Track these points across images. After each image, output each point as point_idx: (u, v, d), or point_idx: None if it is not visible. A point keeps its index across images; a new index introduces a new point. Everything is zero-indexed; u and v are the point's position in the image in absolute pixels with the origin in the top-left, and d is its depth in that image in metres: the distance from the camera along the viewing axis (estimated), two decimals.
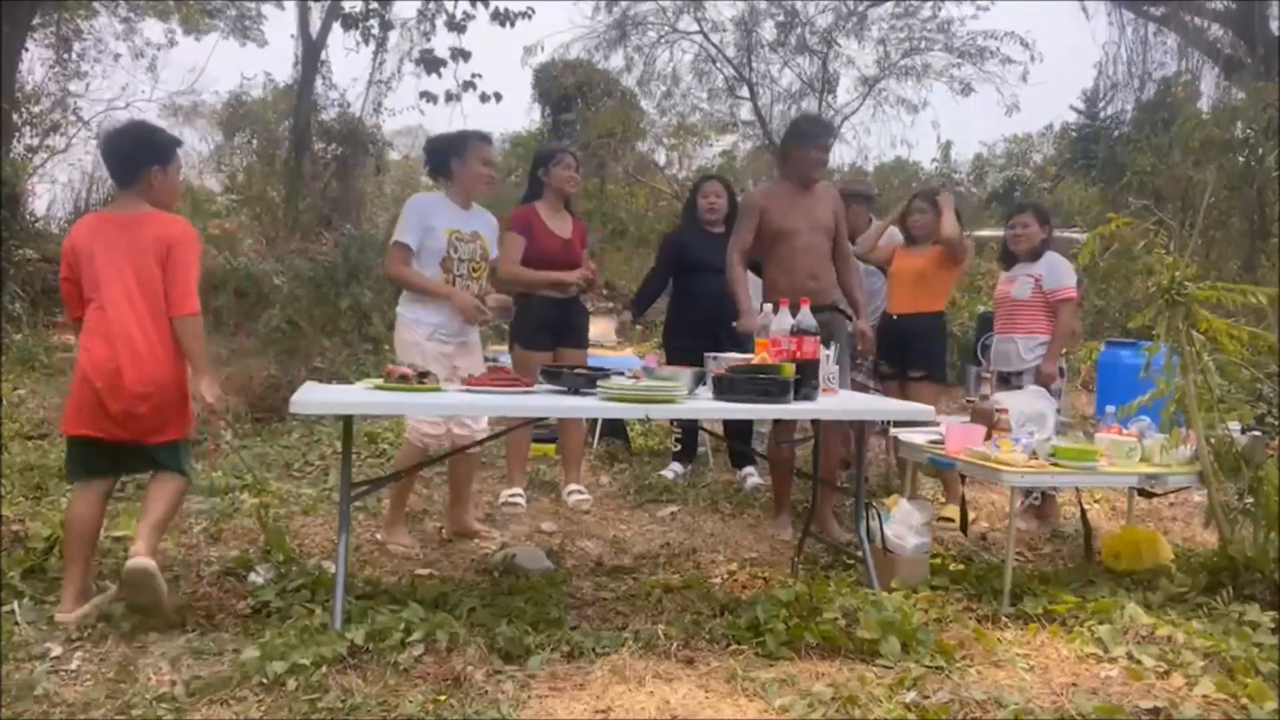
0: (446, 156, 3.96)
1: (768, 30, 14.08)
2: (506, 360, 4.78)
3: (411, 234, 3.82)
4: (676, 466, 5.33)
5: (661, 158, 15.94)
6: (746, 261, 4.27)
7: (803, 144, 4.19)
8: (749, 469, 5.35)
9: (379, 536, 3.91)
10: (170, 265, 2.95)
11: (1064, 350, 4.70)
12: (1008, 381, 4.47)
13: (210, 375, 3.05)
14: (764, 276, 4.25)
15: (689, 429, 5.41)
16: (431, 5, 10.78)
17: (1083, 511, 4.09)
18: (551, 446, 5.59)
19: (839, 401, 3.44)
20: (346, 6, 11.19)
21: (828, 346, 3.86)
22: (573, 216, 4.72)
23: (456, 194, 3.96)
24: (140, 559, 2.76)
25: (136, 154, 3.06)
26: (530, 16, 9.91)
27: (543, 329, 4.59)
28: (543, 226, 4.55)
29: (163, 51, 15.70)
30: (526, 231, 4.53)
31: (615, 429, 6.13)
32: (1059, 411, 4.12)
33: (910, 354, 4.74)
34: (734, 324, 4.16)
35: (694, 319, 5.04)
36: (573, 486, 4.71)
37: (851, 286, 4.35)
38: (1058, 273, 4.50)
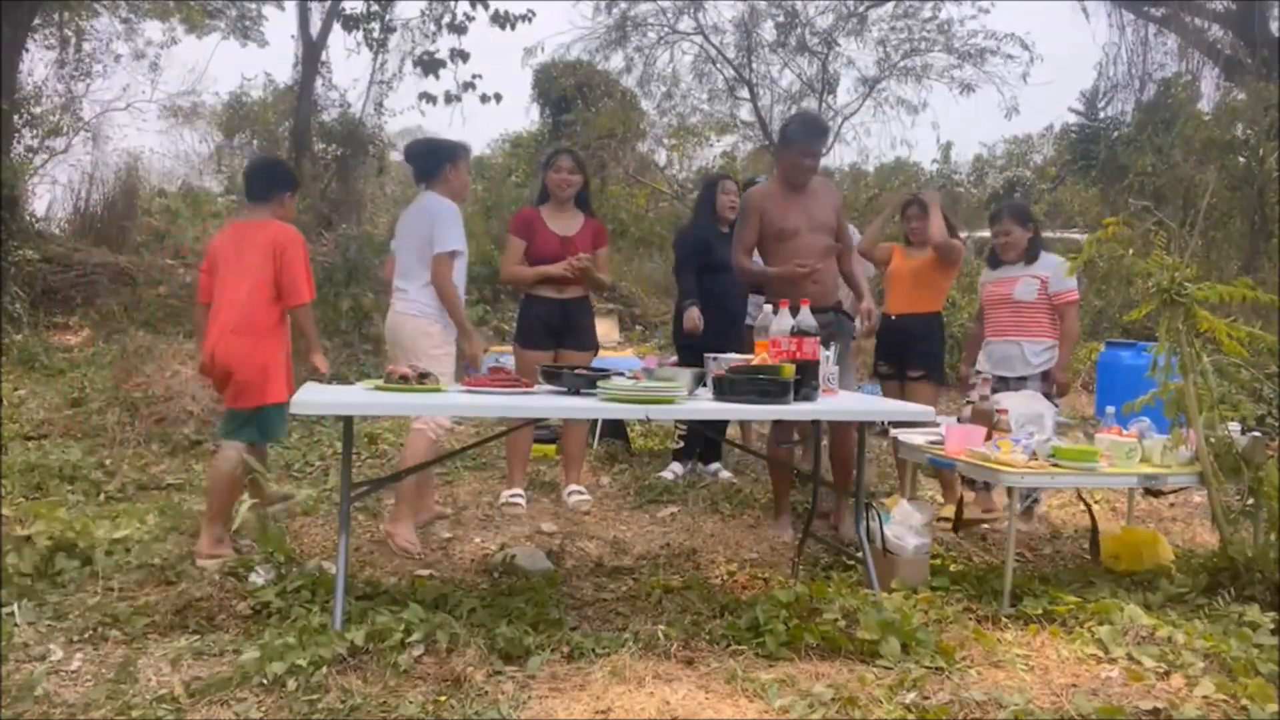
0: (440, 161, 4.07)
1: (767, 31, 14.10)
2: (508, 361, 4.79)
3: (462, 242, 3.98)
4: (676, 467, 5.33)
5: (662, 158, 15.94)
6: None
7: (788, 149, 4.12)
8: (716, 464, 5.38)
9: (384, 527, 3.92)
10: (282, 263, 3.63)
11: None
12: (1007, 385, 4.37)
13: (320, 350, 3.85)
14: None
15: (694, 428, 5.41)
16: (436, 6, 10.79)
17: (1090, 510, 4.10)
18: (552, 447, 5.59)
19: (839, 402, 3.44)
20: (347, 7, 11.20)
21: (828, 347, 3.85)
22: (587, 216, 4.73)
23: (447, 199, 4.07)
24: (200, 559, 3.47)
25: (276, 179, 3.87)
26: (530, 19, 9.92)
27: (541, 328, 4.61)
28: (543, 226, 4.59)
29: (164, 50, 15.72)
30: (527, 233, 4.59)
31: (615, 430, 6.12)
32: (1058, 411, 4.11)
33: (909, 354, 4.73)
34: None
35: (711, 318, 5.03)
36: (573, 487, 4.71)
37: (853, 272, 4.28)
38: (1061, 275, 4.42)
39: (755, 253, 4.23)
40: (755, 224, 4.14)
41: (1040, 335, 4.43)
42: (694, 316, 5.01)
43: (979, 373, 4.35)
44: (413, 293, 3.97)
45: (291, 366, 3.81)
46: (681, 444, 5.47)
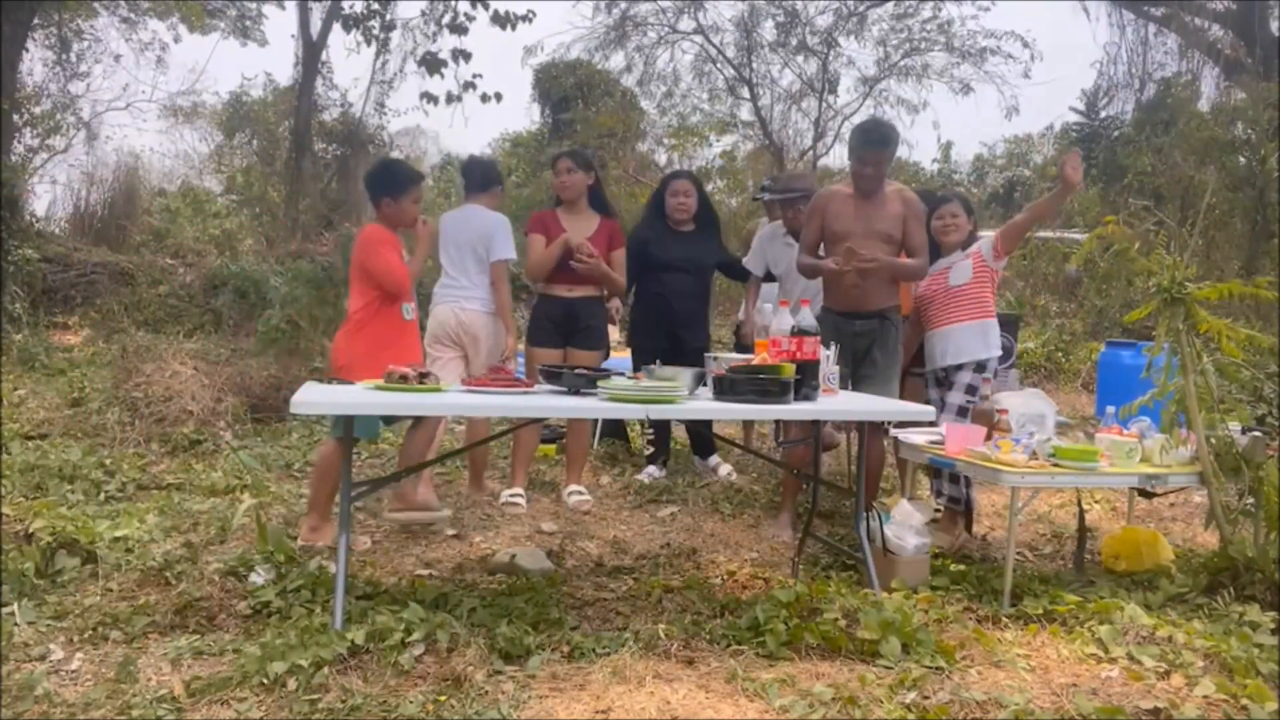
0: (493, 182, 4.68)
1: (768, 31, 14.11)
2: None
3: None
4: (652, 470, 5.30)
5: (662, 158, 15.94)
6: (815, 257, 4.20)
7: (850, 156, 4.15)
8: (714, 458, 5.36)
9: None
10: (359, 263, 3.89)
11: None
12: (950, 378, 4.16)
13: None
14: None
15: (661, 431, 5.41)
16: (436, 5, 10.80)
17: (1080, 516, 4.07)
18: (553, 447, 5.59)
19: (839, 401, 3.44)
20: (347, 7, 11.20)
21: (869, 352, 3.84)
22: (605, 217, 4.75)
23: None
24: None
25: (370, 185, 4.02)
26: (531, 19, 9.92)
27: (548, 326, 4.65)
28: (557, 226, 4.66)
29: (165, 47, 15.69)
30: (543, 230, 4.67)
31: (615, 430, 6.12)
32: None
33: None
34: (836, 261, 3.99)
35: (655, 319, 5.06)
36: (573, 487, 4.71)
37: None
38: (992, 245, 4.22)
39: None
40: (817, 224, 4.17)
41: (984, 315, 4.18)
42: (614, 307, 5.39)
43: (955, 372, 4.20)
44: (476, 291, 4.45)
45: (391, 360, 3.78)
46: (651, 448, 5.45)
